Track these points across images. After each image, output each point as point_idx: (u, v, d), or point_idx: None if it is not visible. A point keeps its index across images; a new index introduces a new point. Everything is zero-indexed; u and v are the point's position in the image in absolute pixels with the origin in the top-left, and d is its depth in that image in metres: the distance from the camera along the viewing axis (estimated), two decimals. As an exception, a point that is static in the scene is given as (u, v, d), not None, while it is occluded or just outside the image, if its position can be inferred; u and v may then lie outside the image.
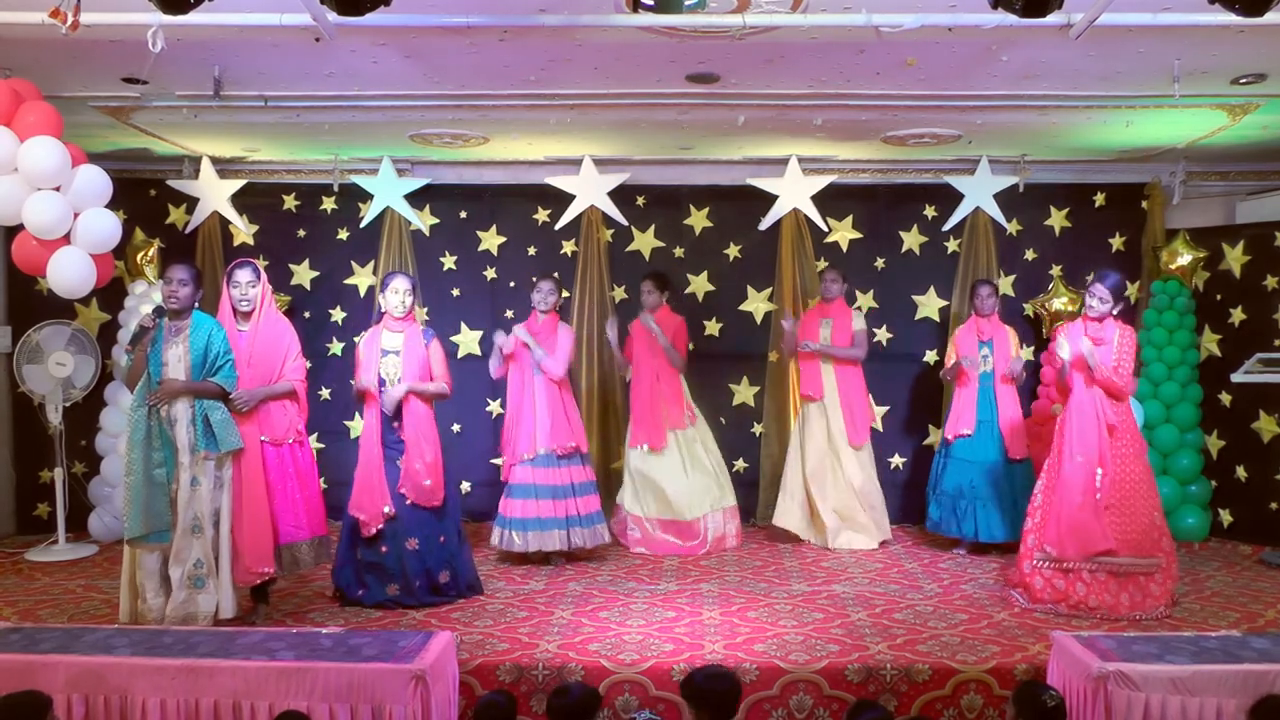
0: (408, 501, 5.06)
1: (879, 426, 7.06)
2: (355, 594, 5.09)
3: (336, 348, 7.11)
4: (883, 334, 7.13)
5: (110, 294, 6.37)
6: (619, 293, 7.16)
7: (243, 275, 4.83)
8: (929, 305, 7.17)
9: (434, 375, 5.17)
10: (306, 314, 7.05)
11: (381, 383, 5.10)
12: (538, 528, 5.75)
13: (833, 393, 6.38)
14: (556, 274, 6.54)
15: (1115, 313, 5.05)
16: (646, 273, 6.61)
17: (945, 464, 6.24)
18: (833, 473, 6.38)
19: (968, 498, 6.09)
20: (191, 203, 7.00)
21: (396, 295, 5.15)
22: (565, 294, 6.91)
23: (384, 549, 5.04)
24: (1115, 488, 4.92)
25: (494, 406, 7.12)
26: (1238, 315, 6.64)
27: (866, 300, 7.12)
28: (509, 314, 6.93)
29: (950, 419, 6.26)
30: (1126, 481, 4.93)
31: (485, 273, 7.19)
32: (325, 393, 6.97)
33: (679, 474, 6.28)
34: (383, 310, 5.22)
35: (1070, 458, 4.97)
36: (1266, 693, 3.23)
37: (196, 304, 4.66)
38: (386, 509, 5.02)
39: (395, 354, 5.12)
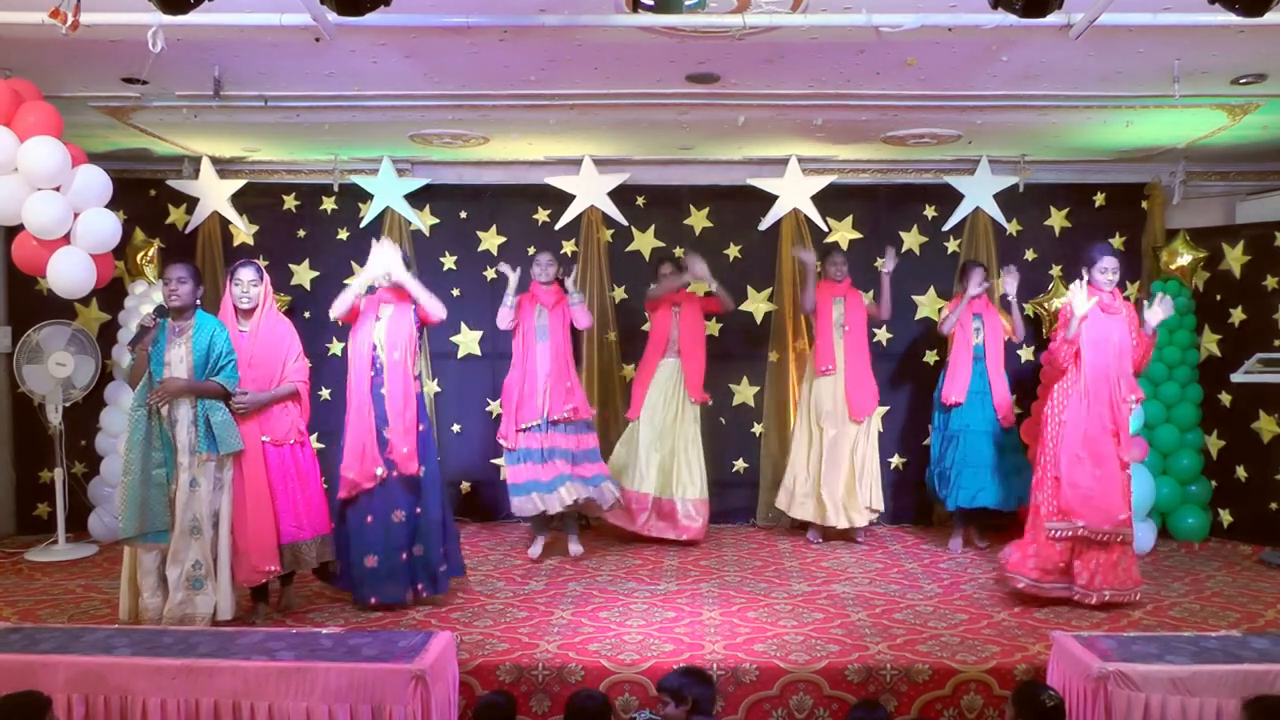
0: (394, 473, 4.99)
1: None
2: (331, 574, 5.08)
3: (336, 348, 7.10)
4: (882, 334, 7.13)
5: (110, 294, 6.37)
6: (619, 293, 7.16)
7: (245, 274, 4.82)
8: (929, 305, 7.17)
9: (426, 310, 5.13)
10: (306, 314, 7.04)
11: (374, 349, 5.06)
12: (545, 489, 5.79)
13: (841, 368, 6.42)
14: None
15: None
16: (664, 256, 6.75)
17: (940, 435, 6.36)
18: (841, 449, 6.40)
19: (958, 465, 6.19)
20: (191, 203, 7.00)
21: (384, 259, 5.12)
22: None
23: (369, 519, 4.99)
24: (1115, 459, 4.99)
25: (494, 407, 7.12)
26: (1238, 315, 6.64)
27: (866, 300, 7.10)
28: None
29: (945, 387, 6.33)
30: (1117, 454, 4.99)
31: (485, 273, 7.19)
32: (325, 393, 6.97)
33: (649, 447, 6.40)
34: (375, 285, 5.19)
35: (1086, 427, 4.94)
36: (1263, 692, 3.23)
37: (198, 303, 4.66)
38: (379, 470, 4.96)
39: (384, 321, 5.09)
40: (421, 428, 5.09)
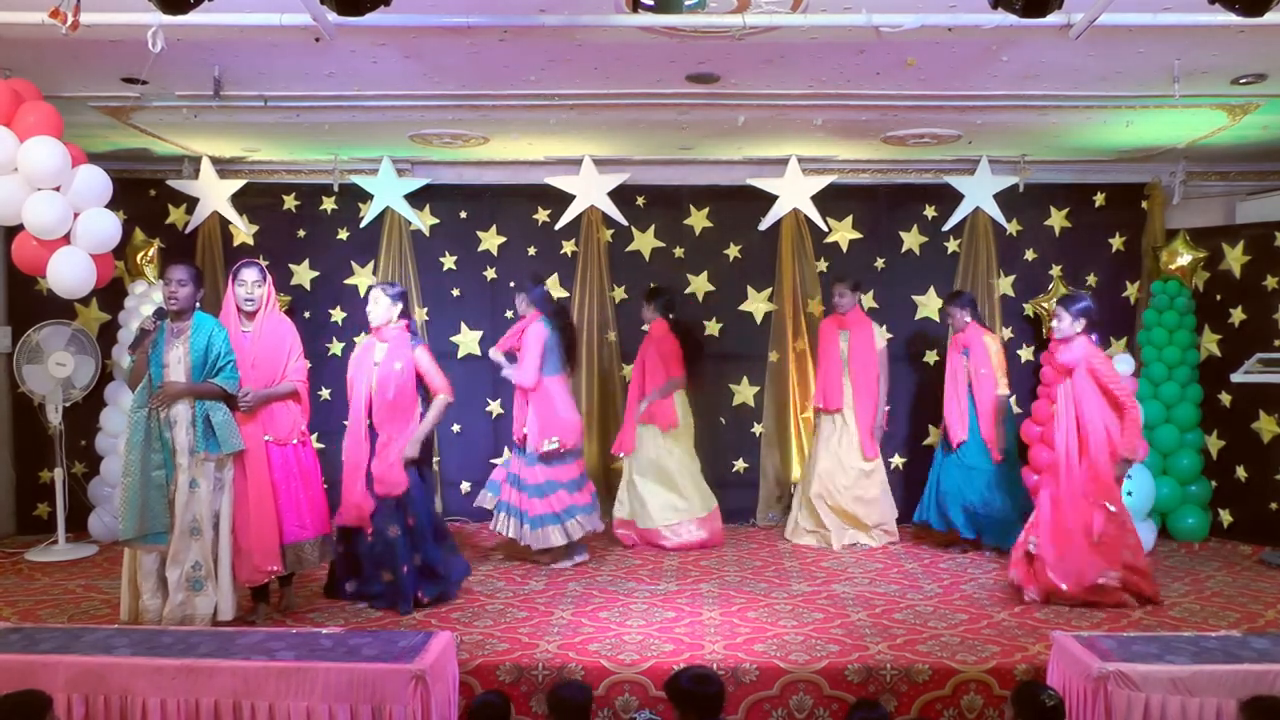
0: (380, 493, 4.98)
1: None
2: (341, 591, 5.12)
3: (336, 348, 7.11)
4: (882, 334, 7.12)
5: (110, 294, 6.37)
6: (619, 293, 7.17)
7: (249, 275, 4.80)
8: (929, 305, 7.17)
9: (431, 385, 5.10)
10: (306, 314, 7.04)
11: (370, 392, 5.04)
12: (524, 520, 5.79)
13: (849, 406, 6.39)
14: (542, 280, 6.48)
15: (1080, 330, 5.02)
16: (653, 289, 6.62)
17: (949, 468, 6.26)
18: (842, 481, 6.37)
19: (966, 500, 6.14)
20: (191, 203, 6.99)
21: (369, 305, 5.14)
22: (566, 293, 6.94)
23: (369, 538, 5.00)
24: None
25: (494, 406, 7.13)
26: (1238, 315, 6.64)
27: (866, 300, 7.10)
28: (509, 314, 6.94)
29: (950, 424, 6.26)
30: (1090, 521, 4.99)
31: (485, 273, 7.19)
32: (325, 393, 6.97)
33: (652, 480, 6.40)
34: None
35: (1077, 492, 4.95)
36: (1262, 692, 3.23)
37: (198, 304, 4.65)
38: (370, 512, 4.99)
39: (379, 368, 5.05)
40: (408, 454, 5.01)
